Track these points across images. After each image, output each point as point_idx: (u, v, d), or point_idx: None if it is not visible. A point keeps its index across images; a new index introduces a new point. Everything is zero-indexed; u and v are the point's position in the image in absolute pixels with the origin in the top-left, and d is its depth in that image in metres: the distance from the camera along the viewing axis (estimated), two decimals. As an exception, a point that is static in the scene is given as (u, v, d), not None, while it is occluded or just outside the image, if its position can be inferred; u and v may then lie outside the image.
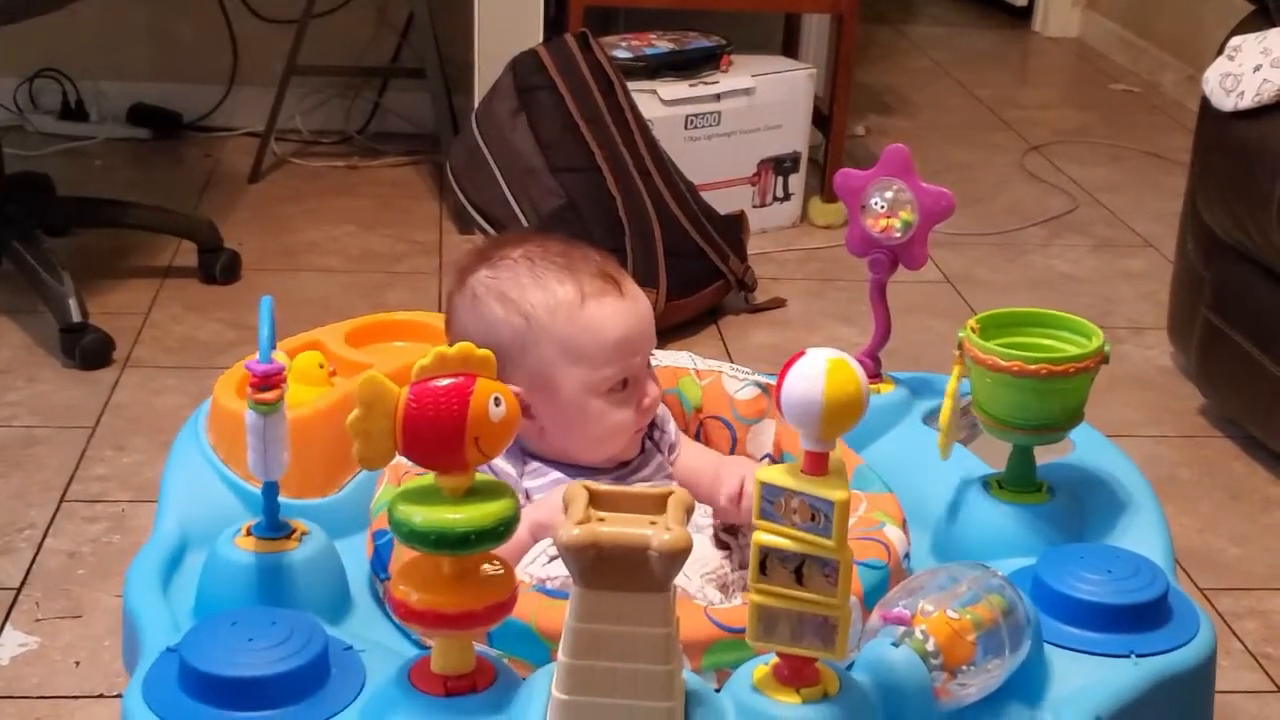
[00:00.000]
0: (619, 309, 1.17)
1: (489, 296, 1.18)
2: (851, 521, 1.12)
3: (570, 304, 1.16)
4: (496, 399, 0.87)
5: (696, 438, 1.30)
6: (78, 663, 1.64)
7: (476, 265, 1.20)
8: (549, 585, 1.05)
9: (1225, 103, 2.17)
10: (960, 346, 1.15)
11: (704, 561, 1.12)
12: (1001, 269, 2.89)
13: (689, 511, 0.85)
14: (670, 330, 2.51)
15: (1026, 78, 4.47)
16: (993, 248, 2.98)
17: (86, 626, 1.70)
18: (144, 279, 2.62)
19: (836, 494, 0.86)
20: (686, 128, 2.83)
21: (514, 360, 1.14)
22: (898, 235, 1.26)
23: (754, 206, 2.95)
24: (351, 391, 0.88)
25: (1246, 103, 2.13)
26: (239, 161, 3.21)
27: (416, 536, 0.86)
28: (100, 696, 1.58)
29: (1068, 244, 3.03)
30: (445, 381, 0.86)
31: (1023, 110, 3.94)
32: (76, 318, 2.29)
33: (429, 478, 0.89)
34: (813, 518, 0.87)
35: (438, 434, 0.85)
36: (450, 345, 1.11)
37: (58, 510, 1.93)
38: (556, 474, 1.18)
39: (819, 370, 0.86)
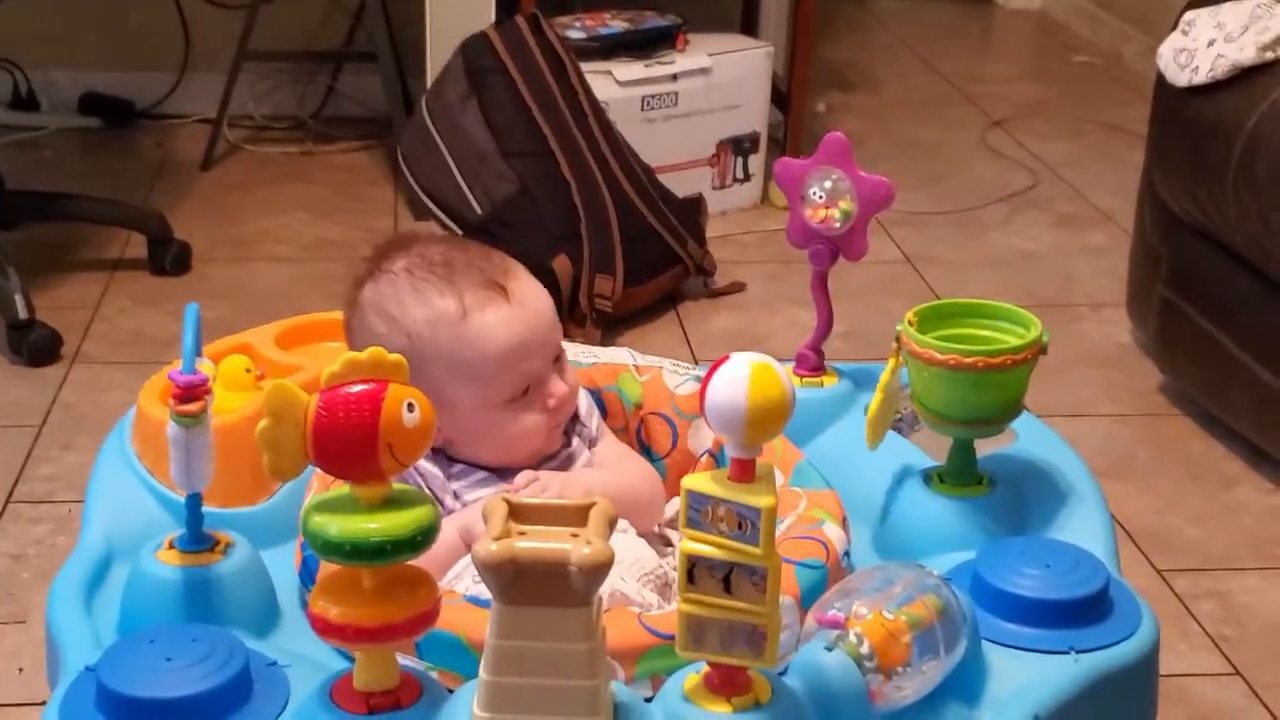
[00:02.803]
0: (504, 318, 1.13)
1: (373, 313, 1.15)
2: (791, 519, 1.11)
3: (452, 318, 1.12)
4: (410, 405, 0.85)
5: (638, 434, 1.28)
6: (21, 669, 1.62)
7: (364, 278, 1.17)
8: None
9: (1180, 78, 2.16)
10: (898, 339, 1.13)
11: (642, 563, 1.10)
12: (961, 247, 2.88)
13: (611, 523, 0.83)
14: (628, 317, 2.50)
15: (989, 52, 4.46)
16: (953, 226, 2.97)
17: (30, 631, 1.68)
18: (93, 272, 2.60)
19: (763, 501, 0.84)
20: (643, 109, 2.81)
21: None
22: (837, 226, 1.24)
23: (713, 188, 2.93)
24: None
25: (1201, 78, 2.12)
26: (191, 149, 3.18)
27: (331, 548, 0.84)
28: (44, 704, 1.56)
29: (1028, 220, 3.02)
30: (356, 388, 0.84)
31: (985, 85, 3.93)
32: (23, 314, 2.27)
33: (345, 487, 0.86)
34: (740, 525, 0.85)
35: (349, 442, 0.83)
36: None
37: (3, 512, 1.90)
38: (482, 473, 1.16)
39: (742, 376, 0.84)
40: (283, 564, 1.08)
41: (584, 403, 1.22)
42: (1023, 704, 0.96)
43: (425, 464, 1.14)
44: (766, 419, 0.84)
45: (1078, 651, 1.00)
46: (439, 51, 2.74)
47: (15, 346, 2.26)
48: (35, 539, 1.85)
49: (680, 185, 2.74)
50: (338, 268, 2.65)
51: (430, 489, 1.14)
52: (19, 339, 2.26)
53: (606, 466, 1.19)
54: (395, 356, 0.86)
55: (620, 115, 2.71)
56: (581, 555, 0.79)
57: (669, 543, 1.21)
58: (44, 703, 1.55)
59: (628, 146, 2.63)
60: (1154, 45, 2.26)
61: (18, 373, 2.24)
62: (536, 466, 1.17)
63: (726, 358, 0.86)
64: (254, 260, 2.69)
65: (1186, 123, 2.16)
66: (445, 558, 1.07)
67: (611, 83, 2.76)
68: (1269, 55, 2.05)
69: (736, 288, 2.65)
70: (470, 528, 1.09)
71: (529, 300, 1.15)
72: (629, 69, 2.80)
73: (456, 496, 1.15)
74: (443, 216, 2.60)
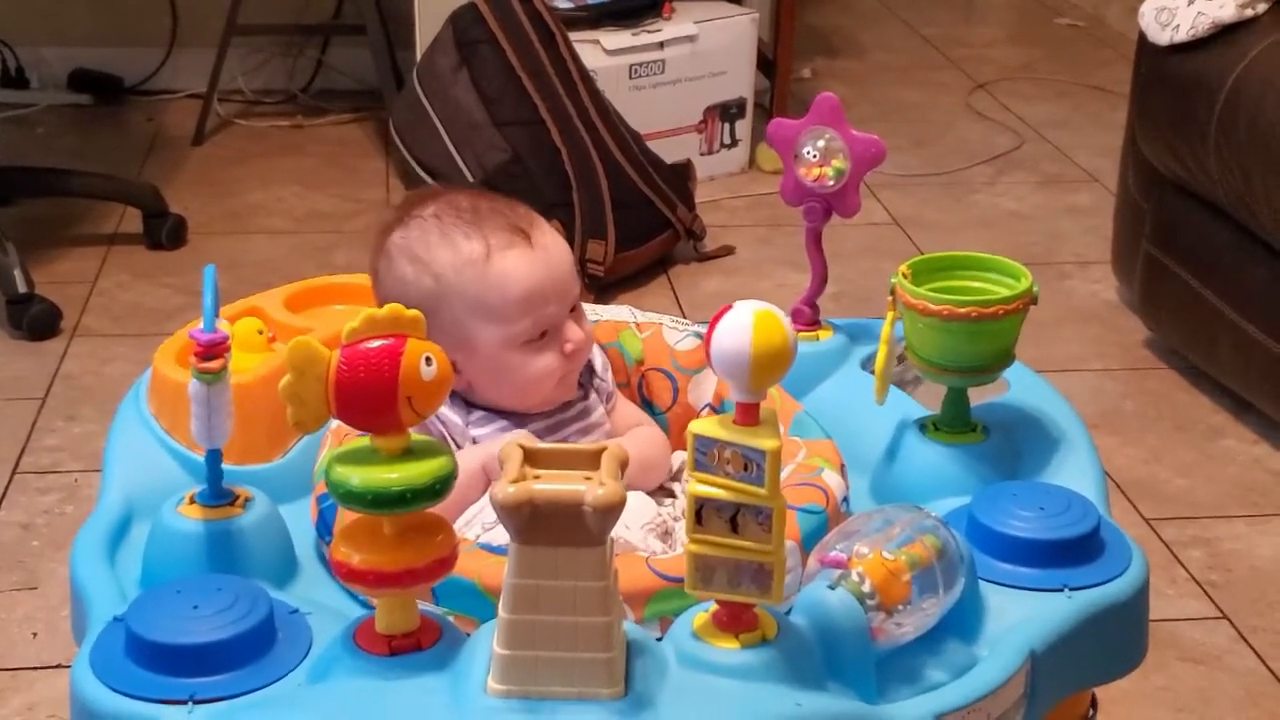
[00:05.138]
0: (526, 261, 1.17)
1: (401, 257, 1.19)
2: (791, 468, 1.14)
3: (477, 260, 1.16)
4: (428, 359, 0.87)
5: (639, 390, 1.31)
6: (35, 634, 1.65)
7: (393, 226, 1.21)
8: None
9: (1161, 37, 2.19)
10: (893, 292, 1.16)
11: (641, 513, 1.13)
12: (949, 209, 2.91)
13: (623, 466, 0.86)
14: (620, 281, 2.53)
15: (972, 15, 4.48)
16: (940, 188, 3.00)
17: (43, 597, 1.71)
18: (90, 247, 2.62)
19: (767, 443, 0.87)
20: (631, 77, 2.83)
21: (431, 319, 1.14)
22: (830, 183, 1.27)
23: (701, 154, 2.96)
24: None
25: (1182, 36, 2.15)
26: (182, 124, 3.19)
27: (354, 497, 0.87)
28: (59, 667, 1.59)
29: (1014, 181, 3.05)
30: (376, 343, 0.87)
31: (969, 48, 3.95)
32: (22, 288, 2.29)
33: (365, 439, 0.89)
34: (745, 467, 0.88)
35: (370, 396, 0.86)
36: (377, 303, 1.13)
37: (10, 482, 1.93)
38: (501, 421, 1.20)
39: (746, 323, 0.87)
40: (298, 518, 1.11)
41: (599, 359, 1.25)
42: (1019, 640, 0.99)
43: (445, 410, 1.18)
44: (770, 363, 0.87)
45: (1071, 589, 1.03)
46: (428, 23, 2.76)
47: (15, 321, 2.28)
48: (43, 508, 1.88)
49: (668, 152, 2.76)
50: (331, 238, 2.69)
51: (450, 435, 1.17)
52: (19, 313, 2.28)
53: (622, 435, 1.23)
54: (413, 312, 0.89)
55: (608, 83, 2.73)
56: (596, 495, 0.82)
57: (672, 494, 1.24)
58: (59, 665, 1.59)
59: (617, 114, 2.66)
60: (1136, 6, 2.29)
61: (19, 346, 2.27)
62: (553, 414, 1.20)
63: (730, 306, 0.89)
64: (249, 233, 2.71)
65: (1168, 81, 2.19)
66: (468, 489, 1.10)
67: (599, 51, 2.78)
68: (1249, 12, 2.08)
69: (726, 251, 2.68)
70: (495, 460, 1.12)
71: (550, 247, 1.19)
72: (616, 37, 2.82)
73: (475, 442, 1.18)
74: (436, 186, 2.63)
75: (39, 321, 2.28)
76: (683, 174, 2.69)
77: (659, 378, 1.30)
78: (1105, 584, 1.04)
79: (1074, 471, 1.17)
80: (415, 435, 0.90)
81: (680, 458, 1.25)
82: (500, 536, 1.05)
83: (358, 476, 0.87)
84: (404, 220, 1.20)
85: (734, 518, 0.89)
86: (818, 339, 1.33)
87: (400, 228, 1.20)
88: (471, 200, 1.20)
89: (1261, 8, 2.08)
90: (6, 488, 1.92)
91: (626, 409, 1.26)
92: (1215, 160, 2.06)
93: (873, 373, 1.29)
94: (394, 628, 0.91)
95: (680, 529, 1.15)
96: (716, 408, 1.28)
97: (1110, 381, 2.28)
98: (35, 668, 1.61)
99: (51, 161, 2.87)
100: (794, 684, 0.90)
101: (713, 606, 0.93)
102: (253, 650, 0.92)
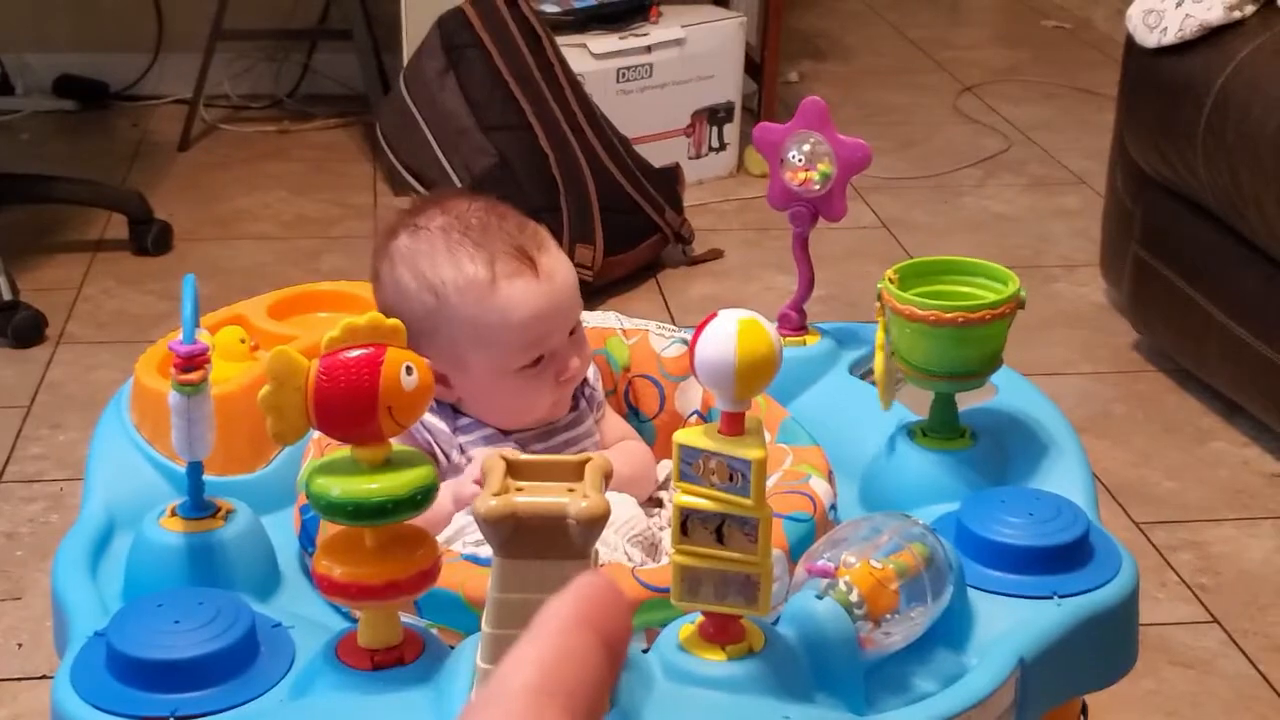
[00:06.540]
0: (531, 291, 1.15)
1: (404, 267, 1.17)
2: (778, 475, 1.13)
3: (480, 285, 1.14)
4: (408, 368, 0.86)
5: (625, 397, 1.30)
6: (20, 644, 1.64)
7: (398, 230, 1.18)
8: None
9: (1149, 39, 2.18)
10: (880, 297, 1.15)
11: (632, 523, 1.12)
12: (937, 212, 2.90)
13: (607, 477, 0.85)
14: (608, 286, 2.52)
15: (959, 17, 4.48)
16: (927, 190, 2.99)
17: (27, 608, 1.69)
18: (75, 253, 2.60)
19: (753, 453, 0.87)
20: (618, 81, 2.82)
21: (427, 335, 1.13)
22: (816, 187, 1.27)
23: (689, 158, 2.95)
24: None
25: (1170, 39, 2.14)
26: (168, 130, 3.18)
27: (334, 508, 0.86)
28: (44, 678, 1.58)
29: (1001, 184, 3.05)
30: (355, 353, 0.86)
31: (955, 51, 3.95)
32: (7, 296, 2.28)
33: (346, 450, 0.88)
34: (731, 478, 0.87)
35: (350, 406, 0.85)
36: (378, 306, 1.12)
37: (-6, 491, 1.92)
38: (488, 430, 1.18)
39: (730, 332, 0.86)
40: (280, 530, 1.09)
41: (590, 369, 1.24)
42: (1008, 648, 0.98)
43: (432, 419, 1.16)
44: (755, 373, 0.86)
45: (1060, 596, 1.02)
46: (414, 28, 2.75)
47: (0, 328, 2.27)
48: (28, 517, 1.86)
49: (656, 155, 2.75)
50: (319, 244, 2.68)
51: (437, 444, 1.16)
52: (3, 320, 2.26)
53: (608, 448, 1.22)
54: (393, 321, 0.88)
55: (596, 87, 2.73)
56: (579, 508, 0.81)
57: (660, 504, 1.24)
58: (43, 676, 1.58)
59: (604, 118, 2.65)
60: (1123, 8, 2.28)
61: (3, 354, 2.25)
62: (543, 431, 1.19)
63: (714, 314, 0.88)
64: (235, 239, 2.70)
65: (1156, 83, 2.19)
66: (435, 521, 1.09)
67: (586, 55, 2.77)
68: (1236, 14, 2.08)
69: (715, 255, 2.68)
70: (464, 496, 1.11)
71: (555, 274, 1.17)
72: (603, 41, 2.81)
73: (463, 451, 1.17)
74: (423, 191, 2.62)
75: (23, 329, 2.27)
76: (670, 178, 2.68)
77: (645, 385, 1.29)
78: (1095, 590, 1.04)
79: (1063, 476, 1.16)
80: (397, 445, 0.89)
81: (667, 467, 1.24)
82: (488, 551, 1.04)
83: (338, 487, 0.86)
84: (411, 228, 1.17)
85: (720, 528, 0.88)
86: (805, 344, 1.32)
87: (407, 235, 1.17)
88: (481, 217, 1.17)
89: (1249, 10, 2.08)
90: (-10, 497, 1.90)
91: (613, 421, 1.25)
92: (1204, 163, 2.06)
93: (861, 378, 1.29)
94: (377, 642, 0.90)
95: (667, 539, 1.14)
96: (704, 415, 1.27)
97: (1099, 385, 2.27)
98: (19, 679, 1.59)
99: (36, 168, 2.86)
100: (782, 695, 0.89)
101: (699, 618, 0.92)
102: (235, 665, 0.91)
